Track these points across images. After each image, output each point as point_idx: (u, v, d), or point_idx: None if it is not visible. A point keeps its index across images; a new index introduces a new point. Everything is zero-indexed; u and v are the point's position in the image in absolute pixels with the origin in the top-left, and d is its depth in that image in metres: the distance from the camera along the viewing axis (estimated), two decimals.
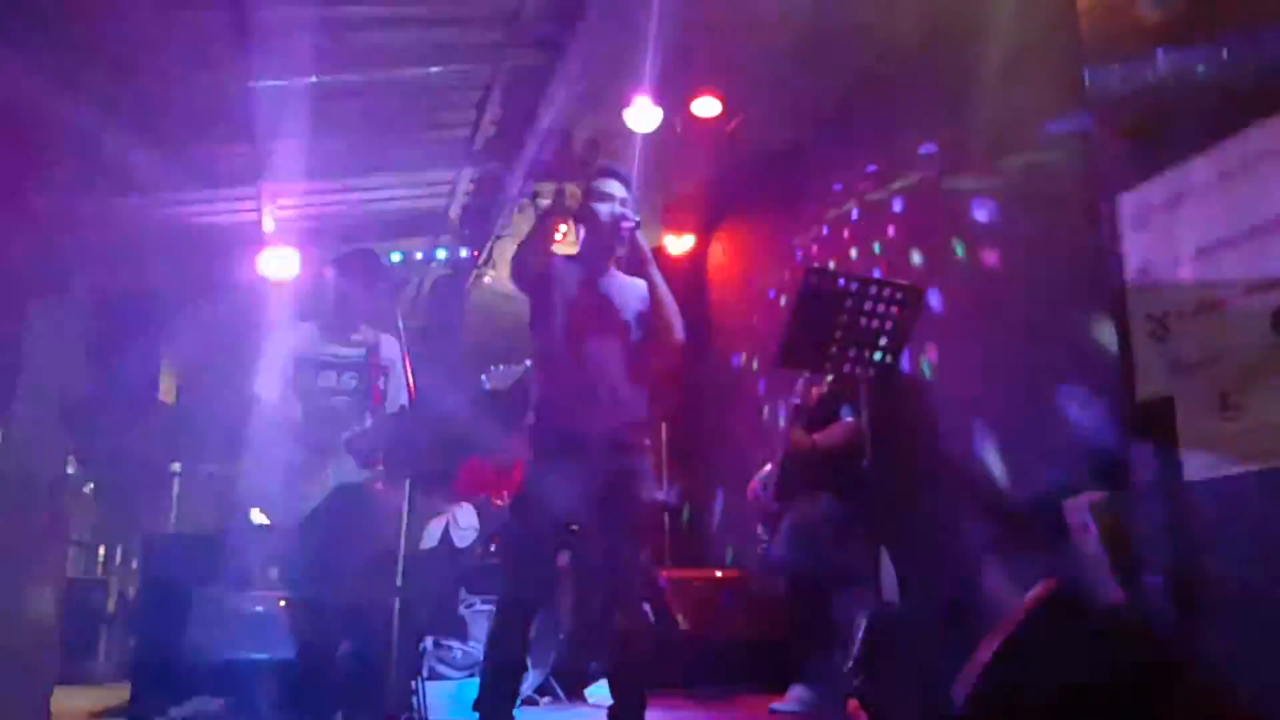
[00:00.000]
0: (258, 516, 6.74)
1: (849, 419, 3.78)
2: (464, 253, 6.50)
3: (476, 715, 2.64)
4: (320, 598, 3.15)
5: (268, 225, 5.82)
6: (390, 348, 3.37)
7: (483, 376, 3.17)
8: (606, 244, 2.91)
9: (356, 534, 3.21)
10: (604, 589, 2.85)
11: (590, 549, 3.01)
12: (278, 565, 4.82)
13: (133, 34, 3.87)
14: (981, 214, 3.84)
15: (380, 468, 3.31)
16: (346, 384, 3.33)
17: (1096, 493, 2.72)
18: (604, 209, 2.91)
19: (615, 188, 2.95)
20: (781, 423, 4.03)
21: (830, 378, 3.79)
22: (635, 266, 2.94)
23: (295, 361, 3.32)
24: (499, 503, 5.01)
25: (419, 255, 6.48)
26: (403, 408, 3.20)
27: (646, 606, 2.79)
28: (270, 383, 3.31)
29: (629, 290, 2.93)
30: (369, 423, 3.21)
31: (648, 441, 2.87)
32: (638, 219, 2.92)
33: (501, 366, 3.21)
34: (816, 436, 3.86)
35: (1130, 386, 2.35)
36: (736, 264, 6.32)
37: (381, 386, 3.32)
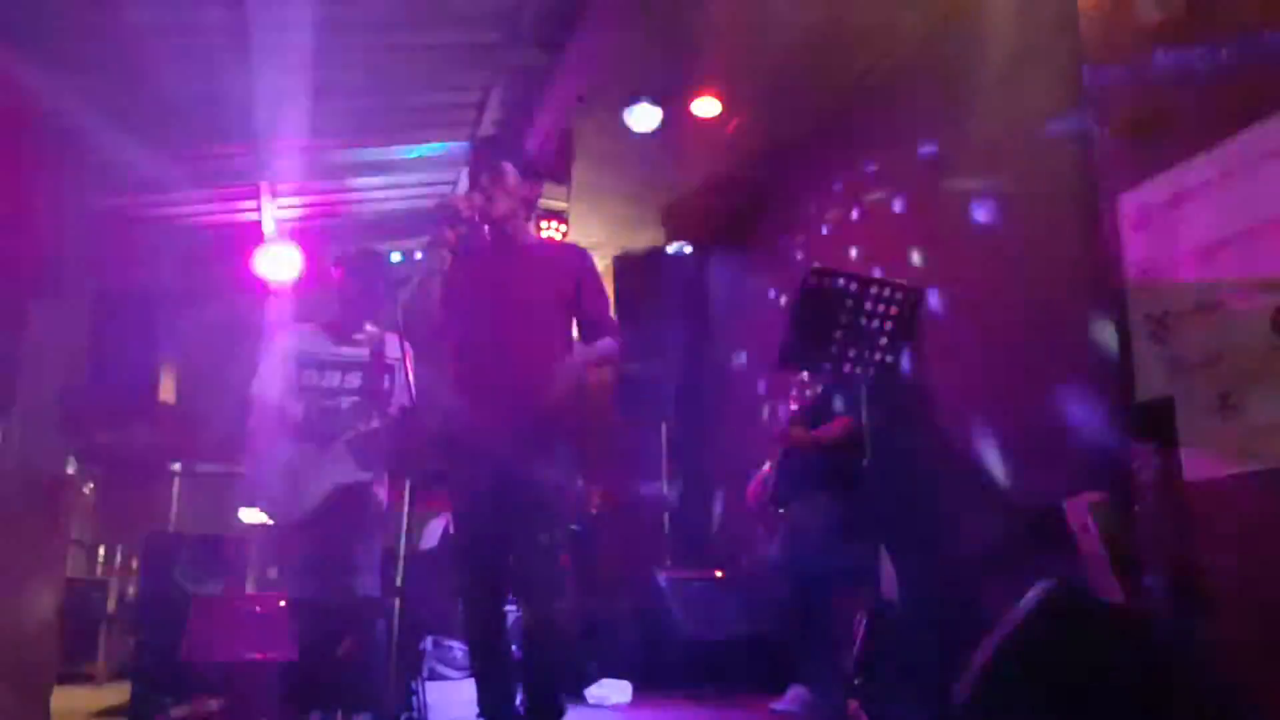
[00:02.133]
0: (256, 516, 6.74)
1: (843, 412, 3.77)
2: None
3: (477, 715, 2.63)
4: (320, 597, 3.15)
5: (268, 225, 5.83)
6: (394, 347, 3.36)
7: None
8: (496, 220, 2.74)
9: (357, 534, 3.21)
10: (518, 586, 2.65)
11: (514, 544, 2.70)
12: (278, 565, 4.81)
13: (133, 33, 3.87)
14: (981, 214, 3.84)
15: (382, 468, 3.30)
16: (350, 384, 3.32)
17: (1096, 493, 2.72)
18: (480, 186, 2.72)
19: (483, 159, 2.82)
20: (781, 417, 4.02)
21: (829, 378, 3.79)
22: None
23: (299, 361, 3.31)
24: None
25: (419, 255, 6.48)
26: (403, 408, 3.20)
27: (560, 605, 2.52)
28: (268, 383, 3.30)
29: (535, 267, 2.73)
30: (373, 423, 3.20)
31: (563, 427, 2.64)
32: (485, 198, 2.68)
33: None
34: (815, 432, 3.86)
35: (1130, 386, 2.35)
36: (737, 264, 6.32)
37: (386, 387, 3.31)
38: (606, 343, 2.74)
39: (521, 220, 2.80)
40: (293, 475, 3.18)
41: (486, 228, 2.78)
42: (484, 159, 2.82)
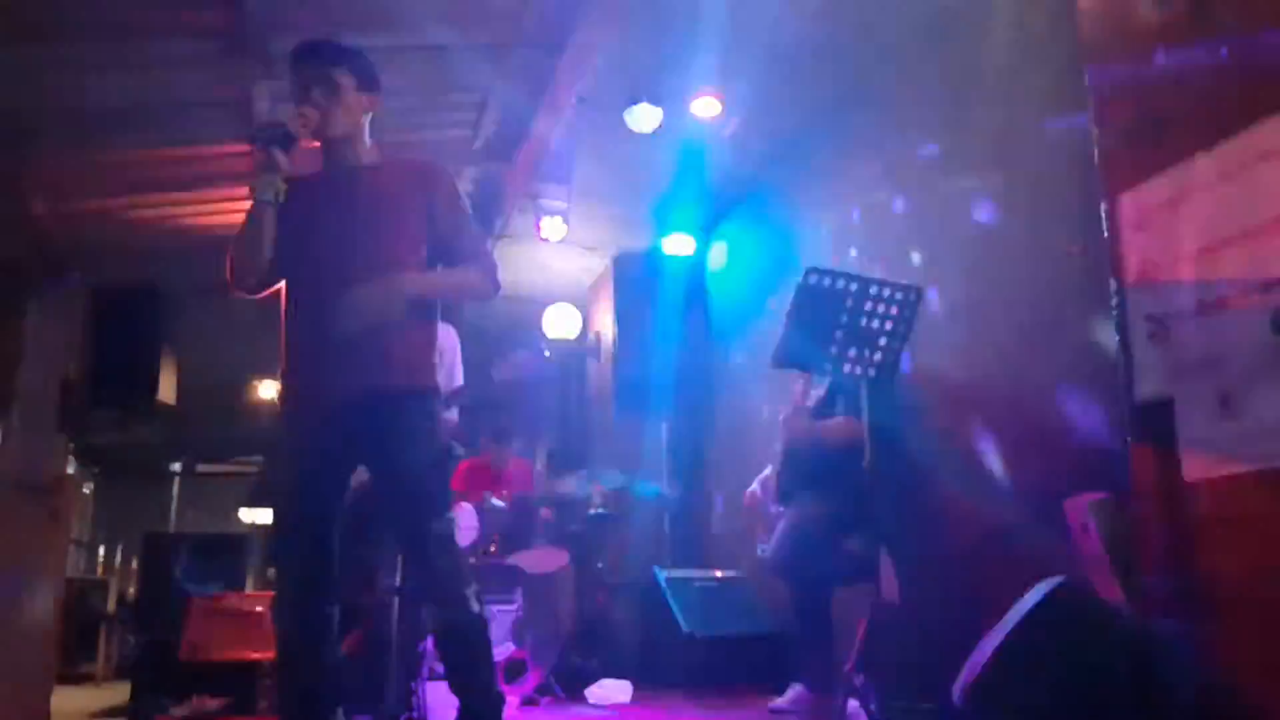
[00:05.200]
0: (257, 516, 6.75)
1: (845, 414, 3.76)
2: None
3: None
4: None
5: None
6: (446, 335, 3.24)
7: (491, 370, 3.13)
8: (333, 140, 2.38)
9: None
10: (413, 574, 2.36)
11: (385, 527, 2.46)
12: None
13: (134, 33, 3.87)
14: (981, 214, 3.84)
15: None
16: None
17: (1096, 493, 2.72)
18: (313, 102, 2.32)
19: (310, 70, 2.37)
20: (781, 417, 4.02)
21: (828, 379, 3.79)
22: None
23: None
24: (498, 502, 5.02)
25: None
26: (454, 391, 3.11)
27: (470, 591, 2.20)
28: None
29: (380, 191, 2.35)
30: None
31: (427, 384, 2.32)
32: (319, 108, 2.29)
33: (523, 352, 3.16)
34: (819, 426, 3.85)
35: (1130, 386, 2.35)
36: (737, 264, 6.32)
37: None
38: (463, 271, 2.35)
39: (362, 139, 2.42)
40: None
41: (320, 149, 2.39)
42: (312, 66, 2.38)
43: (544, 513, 5.55)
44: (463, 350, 3.89)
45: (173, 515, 9.86)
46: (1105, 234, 2.48)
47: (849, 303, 2.99)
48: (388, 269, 2.25)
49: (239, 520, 7.20)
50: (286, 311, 2.36)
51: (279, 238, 2.29)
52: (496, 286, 2.40)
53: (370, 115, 2.42)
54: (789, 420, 3.93)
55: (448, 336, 3.35)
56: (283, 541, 2.28)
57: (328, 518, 2.27)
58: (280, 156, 2.22)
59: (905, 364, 3.93)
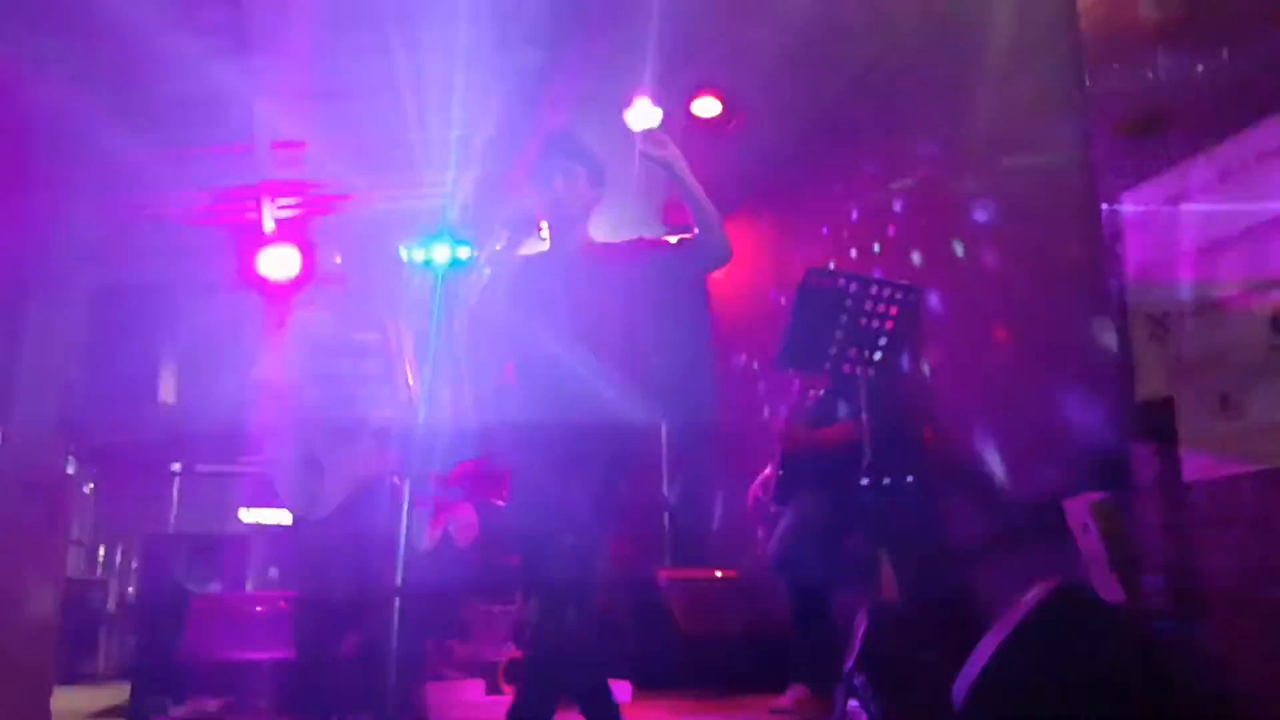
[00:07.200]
0: (256, 516, 6.74)
1: (846, 417, 3.77)
2: (464, 253, 6.45)
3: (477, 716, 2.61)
4: (331, 595, 3.10)
5: (268, 225, 5.83)
6: (403, 335, 3.29)
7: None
8: (562, 223, 2.71)
9: (378, 531, 3.13)
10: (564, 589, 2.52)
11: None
12: (289, 562, 4.78)
13: (134, 33, 3.87)
14: (981, 214, 3.84)
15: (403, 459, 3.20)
16: (364, 370, 3.25)
17: (1096, 493, 2.72)
18: (553, 188, 2.68)
19: (557, 159, 2.72)
20: (777, 426, 4.02)
21: (829, 379, 3.78)
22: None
23: (312, 347, 3.24)
24: (499, 503, 5.01)
25: (419, 255, 6.47)
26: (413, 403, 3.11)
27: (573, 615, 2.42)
28: (276, 367, 3.21)
29: (613, 267, 2.65)
30: (387, 411, 3.11)
31: (644, 448, 2.66)
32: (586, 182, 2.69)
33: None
34: (817, 433, 3.84)
35: (1130, 386, 2.35)
36: (737, 264, 6.32)
37: (406, 373, 3.21)
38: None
39: (586, 226, 2.81)
40: (316, 468, 3.11)
41: (549, 231, 2.71)
42: (557, 157, 2.75)
43: None
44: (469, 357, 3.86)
45: (173, 515, 9.84)
46: (1105, 234, 2.48)
47: (849, 303, 2.99)
48: (600, 342, 2.50)
49: (239, 520, 7.19)
50: (516, 371, 2.59)
51: (512, 305, 2.56)
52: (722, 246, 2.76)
53: (592, 210, 2.79)
54: (786, 430, 3.93)
55: (400, 336, 3.32)
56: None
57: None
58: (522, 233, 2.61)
59: (905, 364, 3.94)
